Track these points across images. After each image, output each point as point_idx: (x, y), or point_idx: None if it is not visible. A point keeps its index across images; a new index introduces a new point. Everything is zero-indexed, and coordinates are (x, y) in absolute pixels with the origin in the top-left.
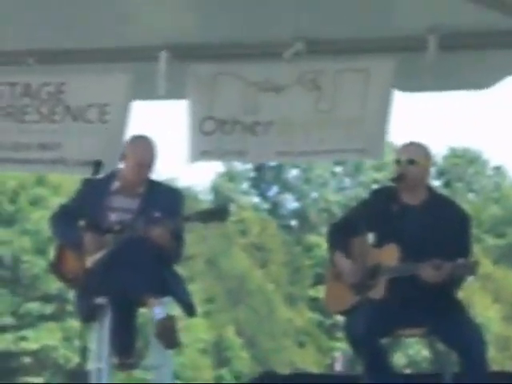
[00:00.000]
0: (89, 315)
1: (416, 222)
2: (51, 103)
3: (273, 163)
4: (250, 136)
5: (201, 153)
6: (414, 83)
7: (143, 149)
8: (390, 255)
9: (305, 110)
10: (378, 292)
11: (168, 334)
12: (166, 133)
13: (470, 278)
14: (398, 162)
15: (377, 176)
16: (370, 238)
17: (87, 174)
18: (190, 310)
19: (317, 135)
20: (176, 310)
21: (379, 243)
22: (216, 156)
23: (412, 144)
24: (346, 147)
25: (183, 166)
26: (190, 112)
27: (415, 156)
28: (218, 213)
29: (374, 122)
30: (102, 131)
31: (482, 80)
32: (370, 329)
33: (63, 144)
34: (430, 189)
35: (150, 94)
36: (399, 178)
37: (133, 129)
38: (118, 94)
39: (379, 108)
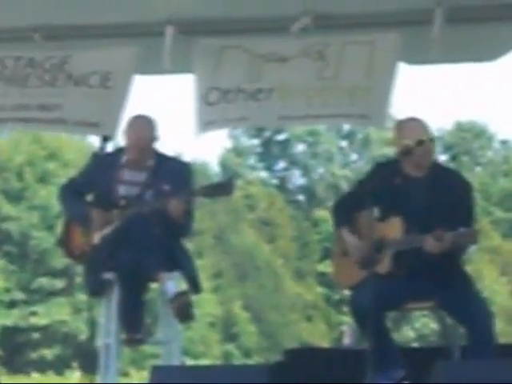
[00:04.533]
0: (97, 290)
1: (419, 194)
2: (54, 71)
3: (280, 138)
4: (252, 102)
5: (206, 123)
6: (420, 56)
7: (140, 132)
8: (394, 228)
9: (308, 77)
10: (383, 266)
11: (184, 308)
12: (175, 107)
13: (476, 250)
14: (406, 147)
15: (383, 151)
16: (376, 211)
17: (86, 133)
18: (196, 287)
19: (319, 100)
20: (183, 286)
21: (384, 217)
22: (220, 125)
23: (415, 122)
24: (348, 112)
25: (191, 141)
26: (196, 84)
27: (423, 136)
28: (223, 187)
29: (378, 90)
30: (104, 96)
31: (488, 52)
32: (376, 304)
33: (63, 105)
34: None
35: (156, 68)
36: (405, 153)
37: (142, 103)
38: (121, 63)
39: (384, 78)
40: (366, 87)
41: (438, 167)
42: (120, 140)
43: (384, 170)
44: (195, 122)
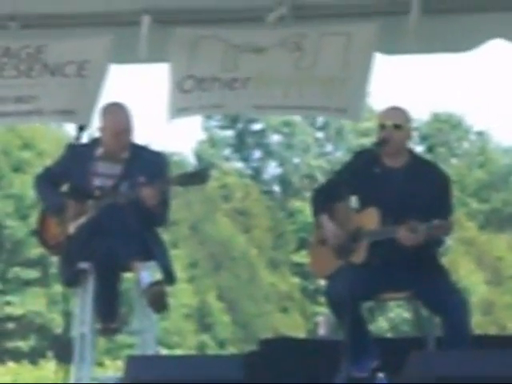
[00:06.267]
0: (72, 280)
1: (397, 185)
2: (30, 61)
3: (255, 128)
4: (228, 91)
5: (179, 110)
6: (396, 46)
7: (117, 116)
8: (370, 219)
9: (285, 67)
10: (358, 256)
11: (158, 298)
12: (149, 97)
13: (452, 242)
14: (382, 126)
15: (358, 141)
16: (354, 201)
17: (62, 122)
18: (170, 277)
19: (296, 91)
20: (157, 276)
21: (361, 207)
22: (193, 111)
23: (396, 108)
24: (324, 105)
25: (165, 134)
26: (171, 72)
27: (400, 121)
28: (198, 175)
29: (354, 82)
30: (79, 84)
31: (464, 43)
32: (351, 293)
33: (39, 96)
34: (410, 151)
35: (131, 57)
36: (383, 143)
37: (116, 93)
38: (97, 52)
39: (360, 70)
40: (343, 78)
41: (416, 158)
42: (95, 131)
43: (362, 160)
44: (167, 109)
